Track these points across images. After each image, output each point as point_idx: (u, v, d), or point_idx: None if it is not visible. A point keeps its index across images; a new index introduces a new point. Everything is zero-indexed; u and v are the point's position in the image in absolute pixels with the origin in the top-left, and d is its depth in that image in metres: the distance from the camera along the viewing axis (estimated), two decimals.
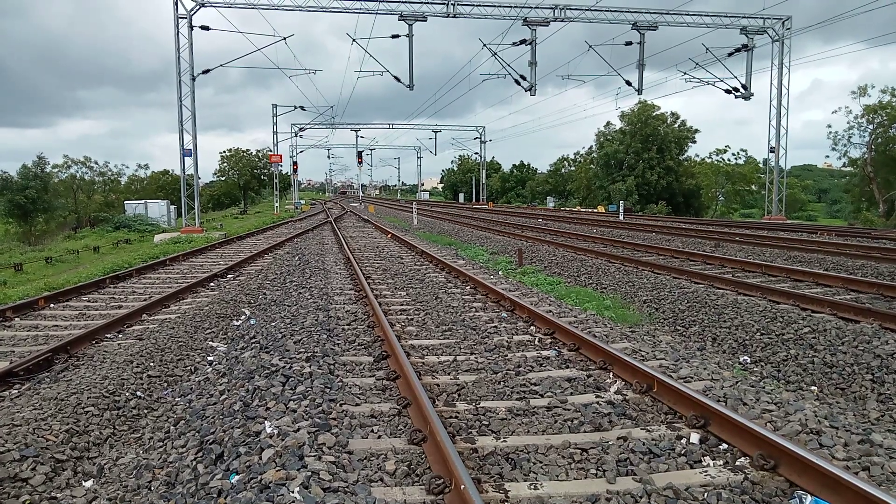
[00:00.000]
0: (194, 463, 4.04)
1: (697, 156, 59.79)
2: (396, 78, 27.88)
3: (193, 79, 26.97)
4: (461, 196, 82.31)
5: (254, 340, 7.10)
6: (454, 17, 27.01)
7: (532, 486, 3.55)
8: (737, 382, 5.30)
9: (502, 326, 7.60)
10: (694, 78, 29.30)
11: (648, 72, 28.24)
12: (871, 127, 43.13)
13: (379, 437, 4.24)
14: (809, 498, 3.29)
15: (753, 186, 55.60)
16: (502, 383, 5.41)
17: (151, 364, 6.61)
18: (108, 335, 7.87)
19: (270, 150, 56.52)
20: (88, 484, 4.35)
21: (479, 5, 26.99)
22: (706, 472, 3.70)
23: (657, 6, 28.50)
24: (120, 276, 12.72)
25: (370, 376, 5.65)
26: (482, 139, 67.34)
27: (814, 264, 12.40)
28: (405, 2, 26.02)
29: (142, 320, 8.78)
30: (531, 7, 26.34)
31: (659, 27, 27.64)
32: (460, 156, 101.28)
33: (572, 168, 74.67)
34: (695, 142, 56.23)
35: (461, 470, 3.37)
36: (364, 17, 78.35)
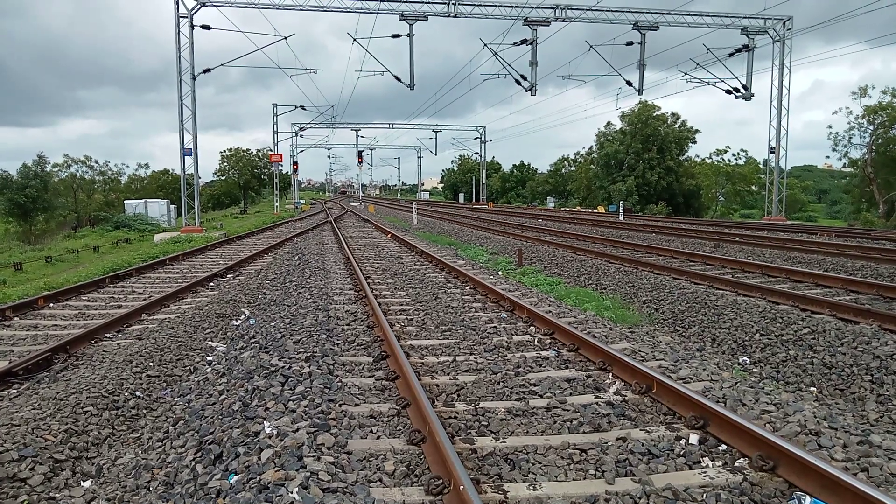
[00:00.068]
0: (193, 463, 4.04)
1: (698, 156, 59.91)
2: (397, 78, 27.89)
3: (194, 78, 26.95)
4: (461, 196, 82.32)
5: (253, 340, 7.10)
6: (455, 16, 26.99)
7: (531, 487, 3.55)
8: (736, 383, 5.30)
9: (502, 327, 7.60)
10: (694, 78, 29.29)
11: (649, 72, 28.19)
12: (871, 128, 43.18)
13: (378, 437, 4.23)
14: (808, 499, 3.29)
15: (753, 187, 55.56)
16: (502, 384, 5.41)
17: (151, 364, 6.61)
18: (108, 335, 7.87)
19: (271, 150, 56.54)
20: (87, 484, 4.35)
21: (480, 5, 26.97)
22: (705, 472, 3.70)
23: (658, 6, 28.55)
24: (119, 276, 12.72)
25: (369, 376, 5.65)
26: (482, 139, 67.39)
27: (813, 265, 12.40)
28: (406, 1, 26.00)
29: (141, 320, 8.78)
30: (532, 7, 26.36)
31: (660, 27, 27.63)
32: (460, 156, 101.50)
33: (572, 168, 74.66)
34: (695, 142, 56.27)
35: (460, 470, 3.37)
36: (365, 17, 78.45)
